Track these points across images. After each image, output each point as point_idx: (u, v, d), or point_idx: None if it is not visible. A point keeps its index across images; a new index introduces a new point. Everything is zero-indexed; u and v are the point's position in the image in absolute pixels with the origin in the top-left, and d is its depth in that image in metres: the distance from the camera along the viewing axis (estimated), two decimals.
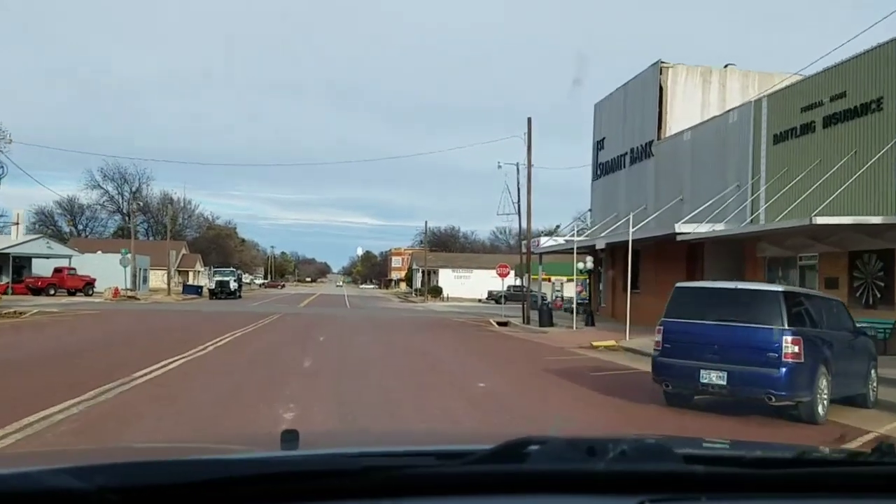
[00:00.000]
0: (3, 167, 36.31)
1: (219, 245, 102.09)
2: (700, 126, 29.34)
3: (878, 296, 19.89)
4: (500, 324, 33.13)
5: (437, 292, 79.47)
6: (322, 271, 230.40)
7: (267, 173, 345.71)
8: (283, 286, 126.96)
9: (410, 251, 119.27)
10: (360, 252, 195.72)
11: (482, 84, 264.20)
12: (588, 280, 39.77)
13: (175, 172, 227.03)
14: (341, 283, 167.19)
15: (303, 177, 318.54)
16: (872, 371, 11.97)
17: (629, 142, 34.93)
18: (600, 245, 30.28)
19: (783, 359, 9.66)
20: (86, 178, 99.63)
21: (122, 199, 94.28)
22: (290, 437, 1.80)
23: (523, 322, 33.01)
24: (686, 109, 31.66)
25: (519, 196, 35.89)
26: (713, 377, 10.02)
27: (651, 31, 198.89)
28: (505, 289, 44.73)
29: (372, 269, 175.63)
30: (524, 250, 35.99)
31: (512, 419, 10.32)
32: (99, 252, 63.75)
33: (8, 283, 48.43)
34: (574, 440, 1.70)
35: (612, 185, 36.93)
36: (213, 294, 58.58)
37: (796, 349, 9.69)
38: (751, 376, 9.86)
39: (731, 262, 25.71)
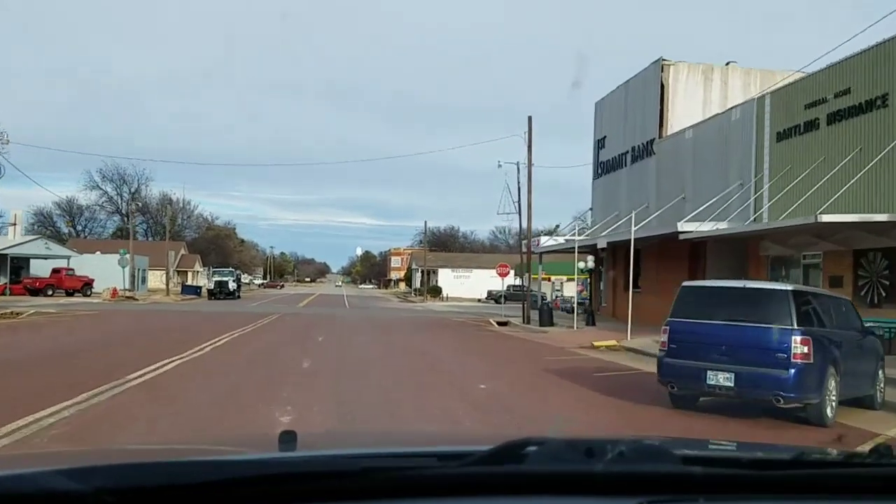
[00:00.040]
0: (0, 168, 36.11)
1: (218, 245, 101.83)
2: (702, 124, 29.12)
3: (884, 294, 19.67)
4: (500, 323, 32.92)
5: (436, 292, 79.27)
6: (321, 271, 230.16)
7: (266, 174, 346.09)
8: (283, 286, 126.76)
9: (410, 251, 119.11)
10: (359, 252, 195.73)
11: (482, 84, 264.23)
12: (589, 279, 39.56)
13: (174, 173, 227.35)
14: (340, 284, 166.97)
15: (302, 177, 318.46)
16: (880, 371, 11.77)
17: (630, 140, 34.71)
18: (602, 244, 30.06)
19: (792, 360, 9.43)
20: (85, 179, 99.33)
21: (121, 199, 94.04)
22: (288, 439, 1.80)
23: (523, 322, 32.80)
24: (687, 107, 31.44)
25: (519, 195, 35.70)
26: (720, 378, 9.77)
27: (651, 32, 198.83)
28: (505, 288, 44.56)
29: (371, 269, 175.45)
30: (525, 249, 35.75)
31: (513, 420, 10.11)
32: (98, 253, 63.54)
33: (6, 283, 48.22)
34: (573, 441, 1.69)
35: (614, 183, 36.71)
36: (212, 294, 58.38)
37: (805, 350, 9.46)
38: (759, 377, 9.62)
39: (734, 261, 25.49)
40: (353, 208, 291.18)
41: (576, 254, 30.23)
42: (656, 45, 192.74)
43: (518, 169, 35.30)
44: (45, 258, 55.75)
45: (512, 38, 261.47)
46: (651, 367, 17.46)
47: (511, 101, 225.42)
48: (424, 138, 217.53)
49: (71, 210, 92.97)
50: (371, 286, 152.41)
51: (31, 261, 55.94)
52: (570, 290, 53.13)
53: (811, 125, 22.09)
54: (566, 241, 37.07)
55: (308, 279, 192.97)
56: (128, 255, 51.50)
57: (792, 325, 9.60)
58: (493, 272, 45.17)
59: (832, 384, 9.92)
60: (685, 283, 11.23)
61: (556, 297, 52.53)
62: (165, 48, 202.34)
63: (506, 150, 63.63)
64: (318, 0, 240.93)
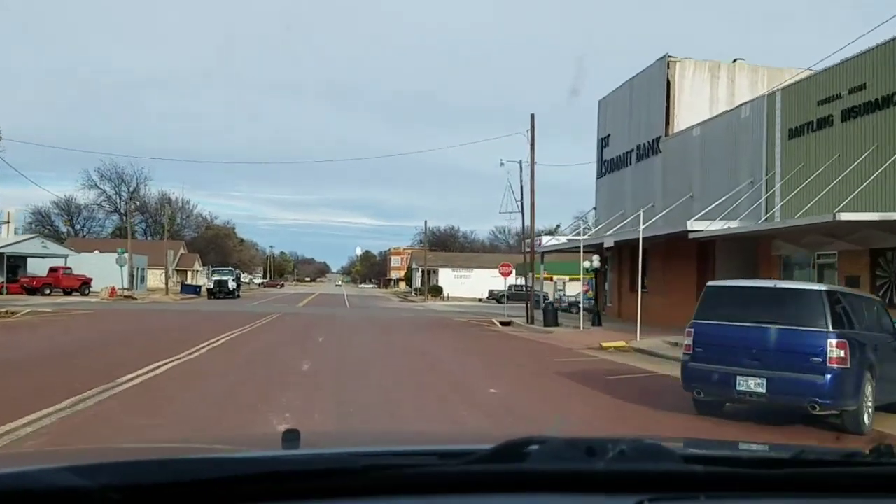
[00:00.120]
0: None
1: (217, 245, 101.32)
2: (710, 121, 28.57)
3: None
4: (503, 323, 32.42)
5: (437, 292, 78.78)
6: (321, 271, 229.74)
7: (266, 174, 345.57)
8: (282, 286, 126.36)
9: (410, 250, 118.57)
10: (359, 252, 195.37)
11: (482, 84, 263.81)
12: (594, 279, 39.02)
13: (174, 172, 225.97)
14: (340, 283, 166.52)
15: (302, 177, 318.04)
16: None
17: (635, 138, 34.15)
18: (608, 243, 29.49)
19: (828, 364, 8.87)
20: (83, 178, 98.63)
21: (120, 198, 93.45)
22: (291, 437, 1.81)
23: (527, 322, 32.25)
24: (694, 105, 30.90)
25: (522, 193, 35.11)
26: (751, 384, 9.19)
27: (651, 32, 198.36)
28: (506, 288, 44.01)
29: (371, 268, 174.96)
30: (527, 249, 35.20)
31: (530, 429, 9.53)
32: (96, 252, 62.97)
33: (2, 282, 47.70)
34: (573, 440, 1.67)
35: (618, 182, 36.15)
36: (212, 294, 57.93)
37: (842, 353, 8.91)
38: (793, 383, 9.05)
39: (744, 260, 24.94)
40: (353, 208, 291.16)
41: (581, 253, 29.70)
42: (656, 45, 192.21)
43: (521, 167, 34.72)
44: (43, 257, 55.25)
45: (512, 38, 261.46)
46: (662, 368, 17.06)
47: (511, 102, 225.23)
48: (424, 139, 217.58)
49: (69, 209, 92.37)
50: (371, 286, 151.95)
51: (29, 260, 55.44)
52: (571, 289, 52.63)
53: (825, 122, 21.53)
54: (569, 240, 36.56)
55: (308, 279, 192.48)
56: (126, 255, 50.93)
57: (827, 327, 9.04)
58: (494, 272, 44.67)
59: (868, 389, 9.38)
60: (710, 283, 10.65)
61: (559, 296, 51.93)
62: (165, 48, 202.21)
63: (506, 149, 63.24)
64: (318, 0, 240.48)
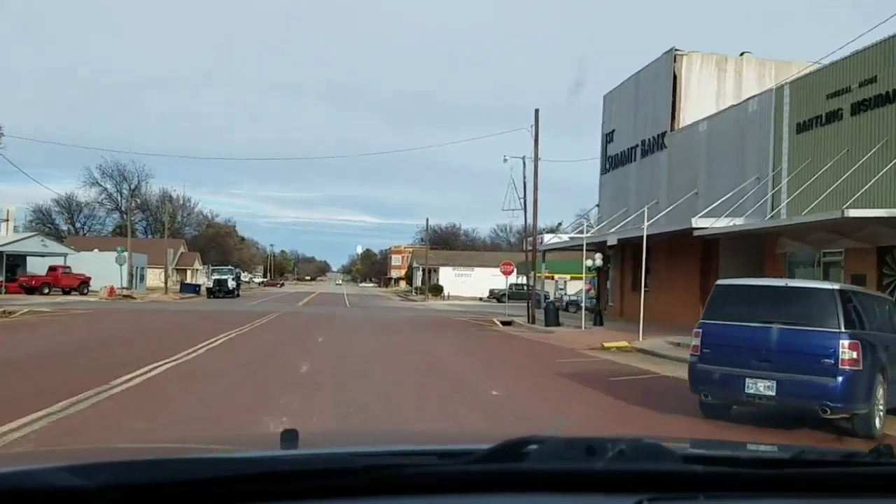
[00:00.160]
0: None
1: (218, 243, 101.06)
2: (716, 116, 28.17)
3: None
4: (504, 323, 32.09)
5: (437, 291, 78.43)
6: (321, 269, 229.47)
7: (267, 172, 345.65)
8: (283, 284, 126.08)
9: (410, 249, 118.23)
10: (359, 250, 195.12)
11: (482, 84, 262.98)
12: (597, 278, 38.68)
13: (174, 170, 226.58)
14: (340, 282, 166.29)
15: (302, 174, 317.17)
16: None
17: (640, 133, 33.76)
18: (612, 241, 29.10)
19: (840, 366, 8.53)
20: (84, 176, 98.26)
21: (121, 196, 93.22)
22: (289, 437, 1.81)
23: (528, 321, 31.92)
24: (700, 99, 30.49)
25: (525, 190, 34.77)
26: (761, 387, 8.84)
27: (650, 32, 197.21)
28: (507, 287, 43.69)
29: (371, 267, 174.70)
30: (530, 247, 34.88)
31: (531, 429, 9.23)
32: (96, 250, 62.65)
33: (1, 281, 47.41)
34: (573, 440, 1.66)
35: (622, 178, 35.76)
36: (211, 293, 57.57)
37: (854, 355, 8.57)
38: (803, 386, 8.70)
39: (749, 258, 24.58)
40: (354, 206, 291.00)
41: (584, 251, 29.35)
42: (656, 45, 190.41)
43: (524, 164, 34.38)
44: (42, 256, 54.96)
45: (512, 38, 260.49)
46: (665, 369, 16.78)
47: (511, 101, 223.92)
48: (424, 139, 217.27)
49: (70, 207, 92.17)
50: (371, 284, 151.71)
51: (28, 258, 55.16)
52: (573, 288, 52.31)
53: (834, 116, 21.16)
54: (570, 238, 36.21)
55: (308, 277, 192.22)
56: (125, 253, 50.64)
57: (839, 327, 8.70)
58: (495, 270, 44.32)
59: (880, 392, 9.04)
60: (719, 282, 10.30)
61: (561, 295, 51.60)
62: (165, 48, 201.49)
63: (507, 148, 63.14)
64: (318, 0, 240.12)
